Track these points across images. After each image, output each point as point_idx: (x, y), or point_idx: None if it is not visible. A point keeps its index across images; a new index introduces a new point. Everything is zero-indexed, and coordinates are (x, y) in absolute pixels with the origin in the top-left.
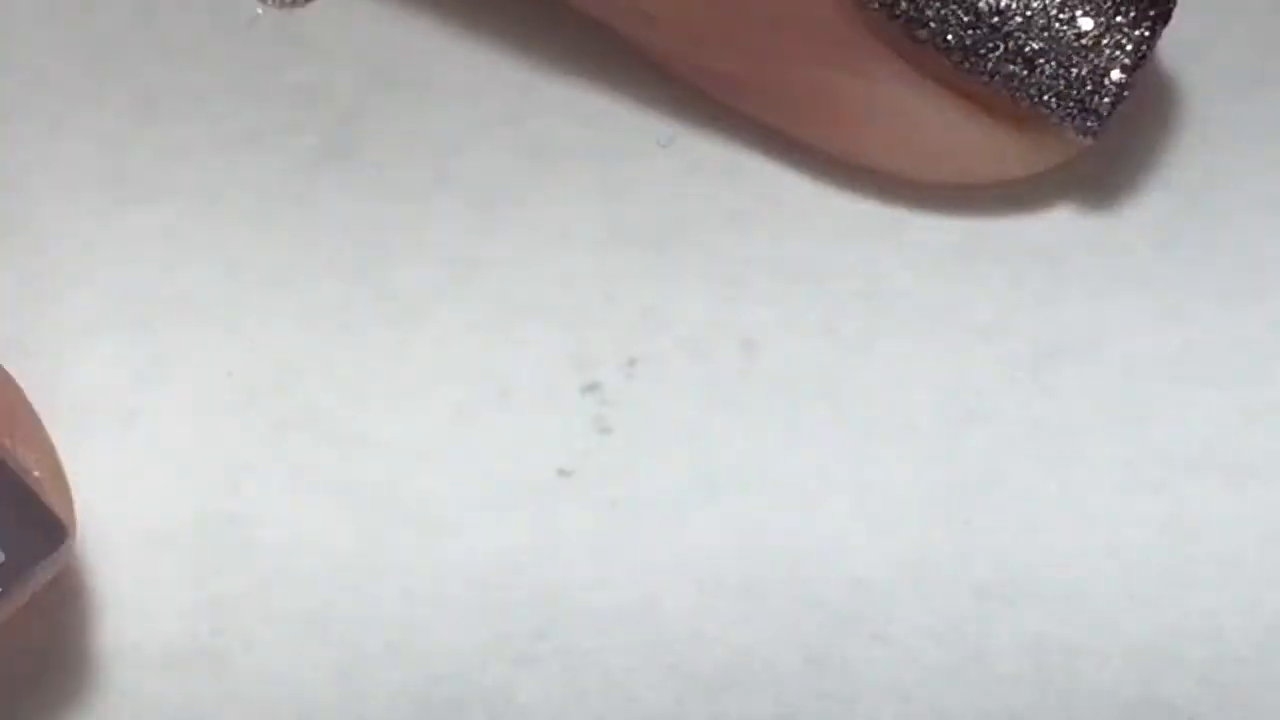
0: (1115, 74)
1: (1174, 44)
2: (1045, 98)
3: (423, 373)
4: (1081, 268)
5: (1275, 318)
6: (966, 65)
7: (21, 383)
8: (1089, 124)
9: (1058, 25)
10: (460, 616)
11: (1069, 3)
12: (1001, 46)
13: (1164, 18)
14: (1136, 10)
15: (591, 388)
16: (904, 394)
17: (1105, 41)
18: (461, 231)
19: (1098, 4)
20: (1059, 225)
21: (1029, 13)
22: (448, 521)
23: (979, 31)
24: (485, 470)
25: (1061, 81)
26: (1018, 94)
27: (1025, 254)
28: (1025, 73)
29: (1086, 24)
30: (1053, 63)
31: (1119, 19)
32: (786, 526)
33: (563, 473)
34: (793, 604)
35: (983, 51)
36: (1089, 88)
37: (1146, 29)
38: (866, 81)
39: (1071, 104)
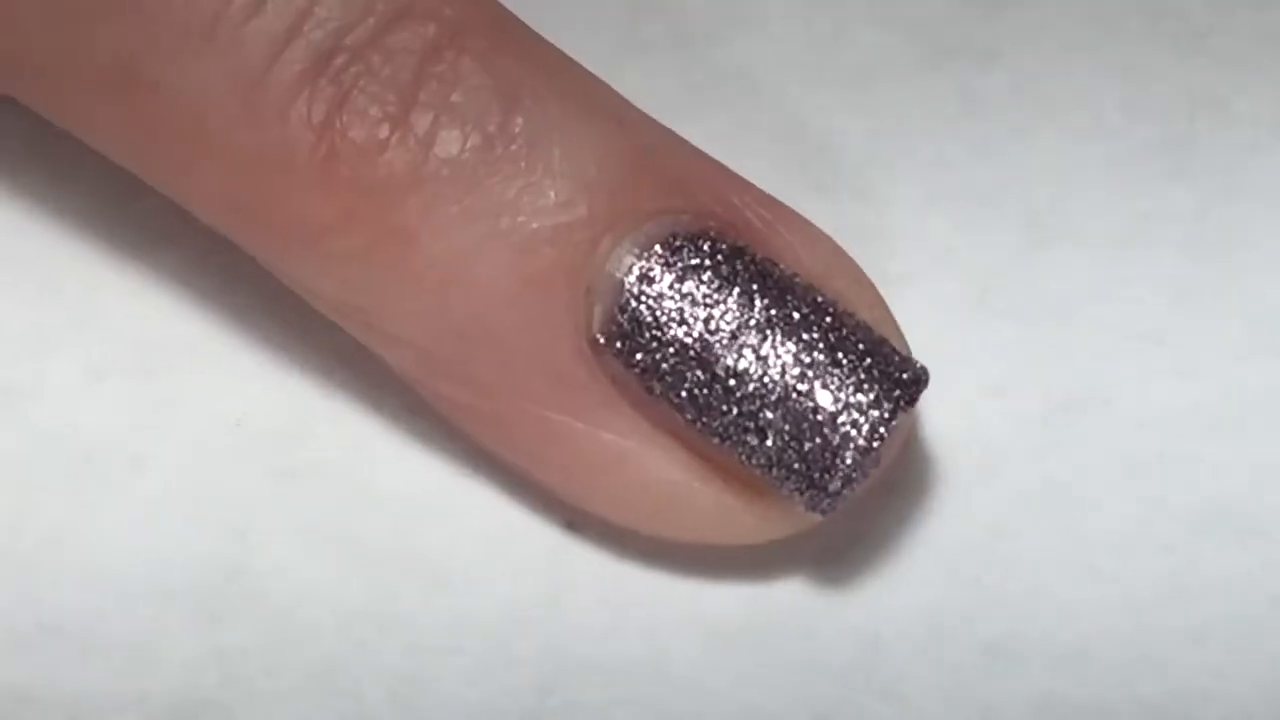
0: (849, 455)
1: (1196, 94)
2: (775, 469)
3: (431, 424)
4: (1093, 322)
5: None
6: (699, 425)
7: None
8: (819, 501)
9: (795, 396)
10: (467, 670)
11: (809, 375)
12: (735, 410)
13: (908, 400)
14: (879, 390)
15: None
16: (914, 449)
17: (842, 419)
18: None
19: (839, 379)
20: (1070, 278)
21: (766, 380)
22: (454, 574)
23: (714, 392)
24: (493, 522)
25: (793, 454)
26: (749, 460)
27: (1037, 308)
28: (757, 441)
29: (825, 399)
30: (785, 434)
31: (859, 397)
32: (795, 582)
33: (571, 525)
34: (801, 660)
35: (716, 413)
36: (821, 464)
37: (887, 410)
38: (597, 430)
39: (802, 479)
